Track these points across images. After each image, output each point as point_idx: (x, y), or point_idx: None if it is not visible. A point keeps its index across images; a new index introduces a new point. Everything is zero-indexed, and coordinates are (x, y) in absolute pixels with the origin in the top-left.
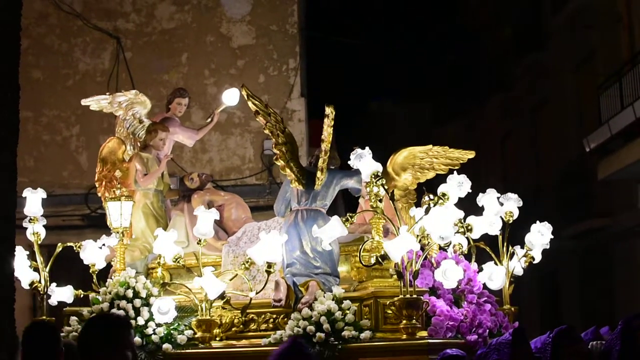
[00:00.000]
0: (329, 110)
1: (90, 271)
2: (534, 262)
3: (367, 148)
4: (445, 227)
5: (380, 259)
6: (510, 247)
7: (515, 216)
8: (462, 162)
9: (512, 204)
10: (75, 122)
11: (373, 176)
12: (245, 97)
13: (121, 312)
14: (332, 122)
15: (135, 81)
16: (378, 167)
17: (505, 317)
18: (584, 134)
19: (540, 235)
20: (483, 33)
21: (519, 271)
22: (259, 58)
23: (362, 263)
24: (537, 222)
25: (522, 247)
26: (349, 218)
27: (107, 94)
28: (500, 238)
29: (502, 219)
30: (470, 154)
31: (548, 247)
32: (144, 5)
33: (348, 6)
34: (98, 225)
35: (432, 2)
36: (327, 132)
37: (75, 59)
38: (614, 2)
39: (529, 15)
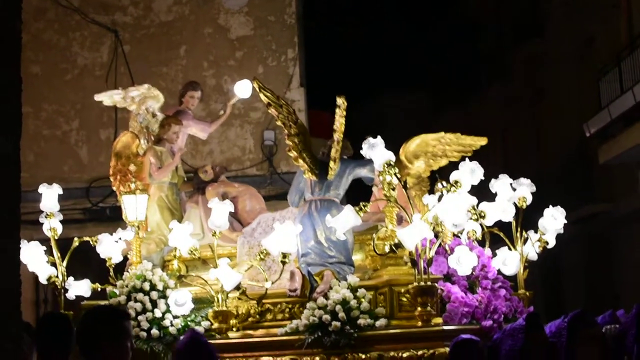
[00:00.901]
0: (340, 100)
1: (107, 265)
2: (548, 246)
3: (379, 137)
4: (458, 214)
5: (394, 247)
6: (524, 232)
7: (529, 201)
8: (474, 148)
9: (525, 189)
10: (75, 117)
11: (386, 165)
12: (257, 89)
13: (138, 305)
14: (344, 113)
15: (134, 74)
16: (391, 155)
17: (520, 302)
18: (584, 120)
19: (553, 220)
20: (482, 23)
21: (533, 256)
22: (257, 49)
23: (376, 252)
24: (544, 208)
25: (536, 232)
26: (362, 207)
27: (120, 88)
28: (513, 223)
29: (515, 204)
30: (483, 140)
31: (562, 231)
32: None
33: None
34: (99, 218)
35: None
36: (340, 122)
37: (73, 53)
38: None
39: (527, 3)
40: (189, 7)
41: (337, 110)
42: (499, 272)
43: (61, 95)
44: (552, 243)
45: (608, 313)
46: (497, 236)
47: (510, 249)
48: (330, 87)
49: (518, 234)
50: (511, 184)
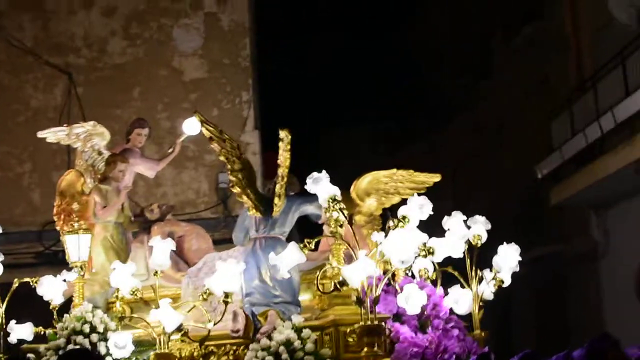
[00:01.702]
0: (283, 134)
1: (51, 307)
2: (504, 285)
3: (323, 171)
4: (405, 250)
5: (338, 285)
6: (478, 271)
7: (484, 239)
8: (427, 185)
9: (480, 227)
10: (28, 159)
11: (330, 200)
12: (199, 123)
13: (99, 351)
14: (288, 147)
15: (88, 116)
16: (335, 190)
17: (474, 343)
18: (537, 159)
19: (508, 258)
20: (434, 61)
21: (489, 295)
22: (211, 91)
23: (319, 290)
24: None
25: (491, 271)
26: (307, 244)
27: (65, 125)
28: (467, 262)
29: (469, 242)
30: (436, 177)
31: (517, 269)
32: (95, 39)
33: (301, 37)
34: (52, 262)
35: (386, 28)
36: (284, 156)
37: (26, 94)
38: (563, 29)
39: (482, 41)
40: (143, 49)
41: (281, 144)
42: (452, 311)
43: (14, 137)
44: (507, 281)
45: (563, 353)
46: (451, 275)
47: (463, 287)
48: (285, 128)
49: (473, 273)
50: (465, 222)
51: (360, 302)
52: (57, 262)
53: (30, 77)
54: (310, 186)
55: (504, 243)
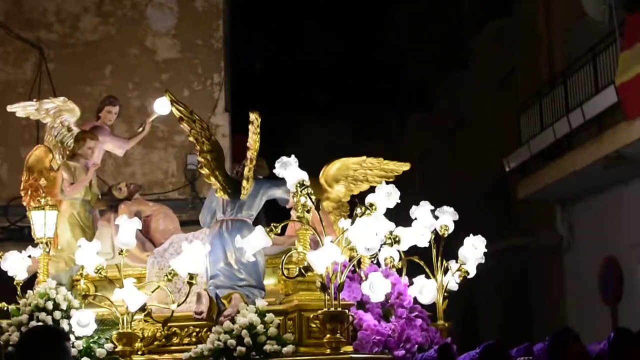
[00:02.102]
0: (253, 116)
1: (15, 283)
2: (469, 276)
3: (292, 156)
4: (370, 238)
5: (303, 271)
6: (444, 262)
7: (451, 230)
8: (397, 174)
9: (448, 217)
10: None
11: (298, 185)
12: (170, 103)
13: (63, 328)
14: (258, 130)
15: (58, 93)
16: (304, 175)
17: (437, 333)
18: (504, 153)
19: (474, 249)
20: (406, 51)
21: (454, 286)
22: (183, 72)
23: (284, 275)
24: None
25: (456, 262)
26: (273, 228)
27: (35, 100)
28: (433, 252)
29: (436, 232)
30: (406, 166)
31: (483, 261)
32: (68, 16)
33: (273, 22)
34: (17, 238)
35: (356, 19)
36: (253, 139)
37: None
38: (534, 23)
39: (452, 34)
40: (115, 27)
41: (250, 126)
42: (416, 301)
43: None
44: (472, 273)
45: (524, 345)
46: (417, 265)
47: (428, 277)
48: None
49: (438, 263)
50: (432, 212)
51: (324, 288)
52: (22, 237)
53: (0, 51)
54: (278, 170)
55: (470, 234)
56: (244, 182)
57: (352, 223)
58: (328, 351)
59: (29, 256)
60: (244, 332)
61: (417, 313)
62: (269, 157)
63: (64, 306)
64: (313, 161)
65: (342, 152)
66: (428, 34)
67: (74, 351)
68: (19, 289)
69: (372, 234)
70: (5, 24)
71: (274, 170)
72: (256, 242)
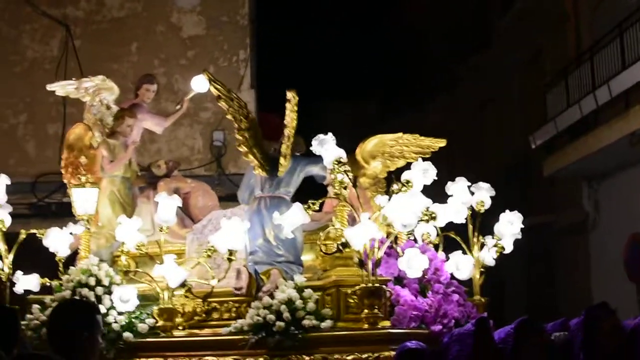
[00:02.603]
0: (290, 94)
1: (57, 259)
2: (505, 252)
3: (329, 134)
4: (407, 214)
5: (340, 247)
6: (480, 237)
7: (487, 205)
8: (433, 150)
9: (484, 193)
10: (23, 110)
11: (336, 162)
12: (208, 81)
13: (94, 302)
14: (295, 108)
15: (84, 69)
16: (341, 152)
17: (473, 308)
18: (530, 131)
19: (510, 225)
20: (430, 31)
21: (490, 261)
22: (209, 49)
23: (322, 251)
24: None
25: (493, 237)
26: (311, 205)
27: (74, 79)
28: (470, 228)
29: (472, 208)
30: (442, 142)
31: (520, 236)
32: None
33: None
34: (44, 214)
35: (381, 0)
36: (290, 117)
37: (23, 45)
38: (561, 1)
39: (478, 13)
40: (141, 4)
41: (288, 104)
42: (453, 277)
43: (9, 88)
44: (508, 248)
45: (560, 321)
46: (454, 241)
47: (465, 253)
48: (280, 89)
49: (475, 239)
50: (469, 187)
51: (361, 264)
52: (49, 214)
53: (27, 28)
54: (316, 147)
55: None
56: (282, 159)
57: (389, 200)
58: (366, 326)
59: (71, 233)
60: (283, 307)
61: (453, 288)
62: (295, 133)
63: (105, 282)
64: (338, 141)
65: (367, 132)
66: (453, 14)
67: (116, 326)
68: (60, 265)
69: (408, 211)
70: (32, 2)
71: (311, 148)
72: (294, 218)
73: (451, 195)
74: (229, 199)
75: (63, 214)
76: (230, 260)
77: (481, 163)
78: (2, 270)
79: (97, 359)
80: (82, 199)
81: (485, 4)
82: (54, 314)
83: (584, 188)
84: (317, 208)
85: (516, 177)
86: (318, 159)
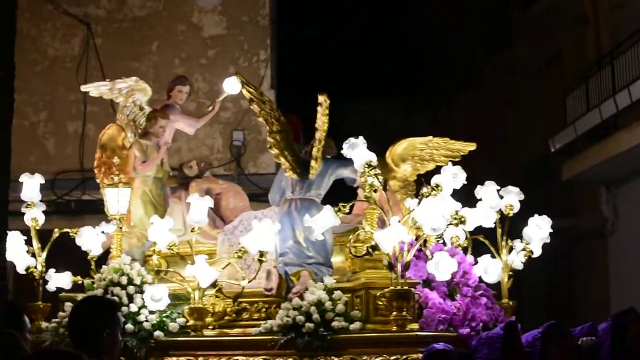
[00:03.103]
0: (322, 98)
1: (89, 258)
2: (533, 256)
3: (360, 137)
4: (437, 218)
5: (370, 249)
6: (509, 241)
7: (516, 209)
8: (463, 153)
9: (513, 197)
10: (43, 108)
11: (366, 166)
12: (240, 84)
13: (115, 299)
14: (327, 111)
15: (105, 68)
16: (372, 156)
17: (501, 311)
18: (550, 135)
19: (538, 229)
20: (451, 31)
21: (519, 265)
22: (229, 49)
23: (351, 253)
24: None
25: (521, 241)
26: (341, 208)
27: (107, 80)
28: (498, 232)
29: (500, 211)
30: (472, 146)
31: (548, 240)
32: None
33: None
34: (64, 211)
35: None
36: (322, 120)
37: (44, 44)
38: (581, 3)
39: (498, 15)
40: (162, 3)
41: (319, 108)
42: (481, 280)
43: (30, 86)
44: (537, 252)
45: (587, 325)
46: (482, 244)
47: (494, 256)
48: (300, 90)
49: (503, 243)
50: (498, 191)
51: (391, 266)
52: (69, 211)
53: (48, 27)
54: (346, 151)
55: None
56: (313, 162)
57: (419, 203)
58: (394, 328)
59: (103, 232)
60: (312, 308)
61: (482, 292)
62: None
63: (137, 281)
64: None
65: (389, 132)
66: (474, 13)
67: (147, 325)
68: (93, 264)
69: (438, 215)
70: (54, 0)
71: (342, 151)
72: (325, 221)
73: (480, 199)
74: (249, 198)
75: (83, 211)
76: (261, 261)
77: (500, 166)
78: (35, 268)
79: (118, 356)
80: (115, 198)
81: (505, 4)
82: (76, 311)
83: (603, 192)
84: (347, 211)
85: (535, 180)
86: (348, 161)
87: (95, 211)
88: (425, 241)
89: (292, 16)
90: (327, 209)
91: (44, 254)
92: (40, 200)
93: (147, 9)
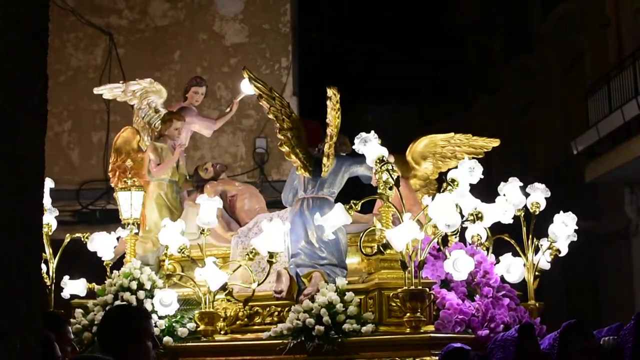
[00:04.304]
0: (331, 92)
1: (104, 263)
2: (560, 255)
3: (372, 132)
4: (451, 214)
5: (381, 248)
6: (535, 240)
7: (542, 207)
8: (486, 150)
9: (539, 194)
10: (67, 118)
11: (378, 161)
12: (248, 80)
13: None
14: (337, 105)
15: (128, 78)
16: (384, 151)
17: (526, 313)
18: (572, 137)
19: (564, 226)
20: (472, 35)
21: (545, 265)
22: (251, 56)
23: (362, 252)
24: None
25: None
26: (353, 206)
27: (121, 82)
28: (524, 231)
29: (526, 209)
30: (495, 142)
31: (575, 238)
32: (137, 2)
33: (340, 6)
34: (89, 221)
35: (421, 4)
36: (332, 115)
37: (67, 54)
38: (602, 6)
39: (518, 18)
40: (184, 13)
41: (329, 102)
42: (504, 280)
43: (54, 96)
44: (564, 251)
45: (615, 325)
46: (505, 245)
47: (518, 255)
48: (323, 97)
49: (529, 241)
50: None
51: (404, 266)
52: (94, 221)
53: (71, 37)
54: (358, 146)
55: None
56: (324, 160)
57: (432, 199)
58: (408, 330)
59: (118, 237)
60: (323, 310)
61: (504, 292)
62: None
63: (147, 286)
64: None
65: (407, 136)
66: (494, 17)
67: (156, 330)
68: (108, 269)
69: (452, 210)
70: (77, 11)
71: (354, 147)
72: (335, 219)
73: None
74: (272, 205)
75: (107, 220)
76: (271, 262)
77: (523, 168)
78: (47, 274)
79: None
80: (128, 202)
81: (526, 7)
82: (100, 324)
83: (626, 194)
84: (359, 209)
85: (558, 183)
86: (363, 158)
87: (120, 220)
88: (446, 240)
89: (313, 23)
90: (338, 207)
91: (56, 261)
92: (66, 210)
93: (168, 19)
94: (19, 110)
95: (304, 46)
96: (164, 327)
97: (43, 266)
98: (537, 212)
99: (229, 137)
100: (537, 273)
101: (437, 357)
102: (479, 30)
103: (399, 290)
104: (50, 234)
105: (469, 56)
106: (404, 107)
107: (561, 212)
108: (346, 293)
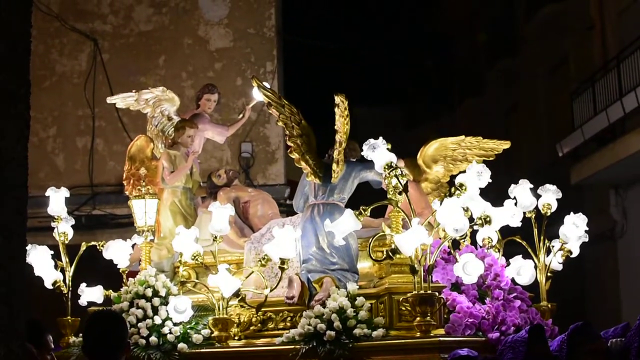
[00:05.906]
0: (338, 99)
1: (120, 271)
2: (572, 256)
3: (380, 138)
4: (459, 218)
5: (390, 253)
6: (547, 241)
7: (554, 208)
8: (497, 152)
9: (551, 195)
10: (52, 124)
11: (386, 167)
12: (257, 88)
13: (139, 312)
14: (346, 112)
15: (113, 83)
16: (392, 157)
17: (537, 314)
18: (557, 139)
19: (575, 228)
20: (456, 37)
21: (557, 266)
22: (236, 61)
23: (371, 257)
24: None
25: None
26: (363, 211)
27: (134, 91)
28: (535, 232)
29: (537, 210)
30: (506, 144)
31: (586, 239)
32: (122, 7)
33: (325, 10)
34: (75, 226)
35: (407, 7)
36: (341, 122)
37: (52, 60)
38: (587, 8)
39: (502, 21)
40: (169, 17)
41: (337, 109)
42: (515, 282)
43: (38, 102)
44: (575, 252)
45: (621, 325)
46: (515, 246)
47: (529, 257)
48: (308, 100)
49: (540, 243)
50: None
51: (414, 270)
52: (79, 226)
53: (56, 43)
54: (366, 152)
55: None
56: (334, 166)
57: (441, 204)
58: (418, 334)
59: (133, 245)
60: (334, 316)
61: (516, 294)
62: (325, 144)
63: (162, 293)
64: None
65: (392, 139)
66: (479, 20)
67: (171, 337)
68: (124, 277)
69: (460, 215)
70: (61, 16)
71: (362, 153)
72: (345, 225)
73: (513, 198)
74: None
75: (93, 226)
76: (282, 269)
77: (508, 170)
78: (63, 282)
79: None
80: (142, 210)
81: (511, 9)
82: (98, 327)
83: (612, 196)
84: (368, 215)
85: (543, 184)
86: (372, 164)
87: (105, 226)
88: (457, 243)
89: (297, 27)
90: (348, 212)
91: (72, 269)
92: (51, 216)
93: (153, 24)
94: (2, 117)
95: (288, 50)
96: (178, 333)
97: (59, 274)
98: (549, 214)
99: (214, 142)
100: (549, 274)
101: None
102: (464, 33)
103: (409, 294)
104: (66, 242)
105: (454, 58)
106: (390, 109)
107: (571, 213)
108: (357, 298)
